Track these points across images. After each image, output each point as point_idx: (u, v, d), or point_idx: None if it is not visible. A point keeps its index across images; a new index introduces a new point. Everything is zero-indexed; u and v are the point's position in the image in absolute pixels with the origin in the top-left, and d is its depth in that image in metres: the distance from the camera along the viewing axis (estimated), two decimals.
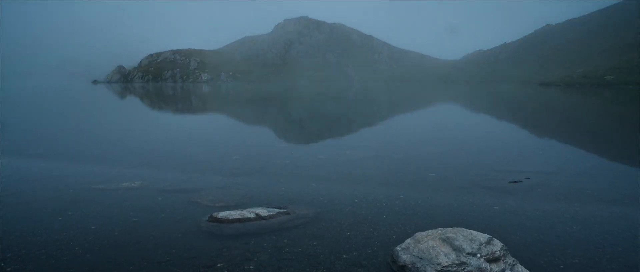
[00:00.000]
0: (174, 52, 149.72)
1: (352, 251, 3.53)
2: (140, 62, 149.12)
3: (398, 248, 3.26)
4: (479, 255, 3.02)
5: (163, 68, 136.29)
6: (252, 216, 4.23)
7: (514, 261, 3.11)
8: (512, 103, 31.33)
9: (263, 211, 4.35)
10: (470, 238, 3.16)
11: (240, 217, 4.19)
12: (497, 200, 5.08)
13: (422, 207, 4.75)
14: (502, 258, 3.07)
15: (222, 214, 4.25)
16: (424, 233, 3.36)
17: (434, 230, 3.40)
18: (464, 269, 2.92)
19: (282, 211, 4.46)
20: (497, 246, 3.14)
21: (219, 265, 3.25)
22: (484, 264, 2.96)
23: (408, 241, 3.32)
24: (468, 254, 3.01)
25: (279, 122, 16.60)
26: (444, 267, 2.92)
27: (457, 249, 3.05)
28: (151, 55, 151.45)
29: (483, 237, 3.19)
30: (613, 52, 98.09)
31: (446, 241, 3.14)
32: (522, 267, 3.10)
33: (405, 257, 3.10)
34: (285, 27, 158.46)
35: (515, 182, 6.00)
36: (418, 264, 2.99)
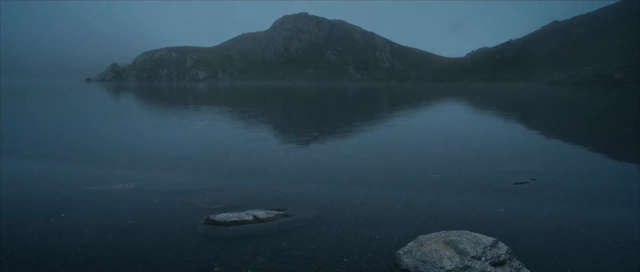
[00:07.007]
0: (170, 49, 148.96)
1: (353, 254, 3.45)
2: (135, 60, 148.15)
3: (400, 251, 3.20)
4: (483, 259, 2.96)
5: (158, 66, 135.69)
6: (250, 218, 4.16)
7: (519, 264, 3.05)
8: (517, 101, 31.30)
9: (261, 213, 4.27)
10: (474, 241, 3.10)
11: (237, 219, 4.12)
12: (503, 202, 5.00)
13: (425, 209, 4.67)
14: (508, 262, 3.01)
15: (220, 217, 4.17)
16: (427, 236, 3.30)
17: (437, 233, 3.34)
18: None
19: (281, 213, 4.38)
20: (502, 249, 3.08)
21: (216, 269, 3.18)
22: (489, 268, 2.91)
23: (411, 244, 3.26)
24: (472, 257, 2.95)
25: (277, 121, 16.53)
26: (447, 271, 2.86)
27: (461, 253, 2.99)
28: (146, 53, 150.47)
29: (488, 240, 3.13)
30: (622, 50, 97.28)
31: (450, 244, 3.09)
32: (528, 271, 3.04)
33: (407, 261, 3.04)
34: (284, 24, 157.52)
35: (521, 183, 5.91)
36: (421, 268, 2.93)
